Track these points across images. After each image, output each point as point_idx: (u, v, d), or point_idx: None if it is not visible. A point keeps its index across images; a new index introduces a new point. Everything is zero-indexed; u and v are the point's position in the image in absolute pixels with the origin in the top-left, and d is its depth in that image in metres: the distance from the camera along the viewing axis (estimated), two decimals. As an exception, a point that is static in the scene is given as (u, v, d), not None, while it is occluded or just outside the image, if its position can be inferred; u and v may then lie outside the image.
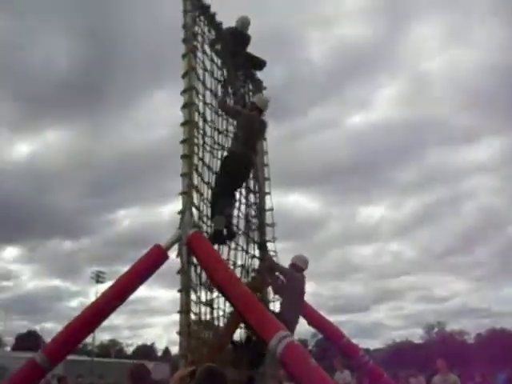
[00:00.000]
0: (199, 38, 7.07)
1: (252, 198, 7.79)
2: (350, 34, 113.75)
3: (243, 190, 7.50)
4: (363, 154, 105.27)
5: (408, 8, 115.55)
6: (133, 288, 5.71)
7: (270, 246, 7.71)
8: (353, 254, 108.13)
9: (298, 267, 7.20)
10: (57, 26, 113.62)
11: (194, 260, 5.86)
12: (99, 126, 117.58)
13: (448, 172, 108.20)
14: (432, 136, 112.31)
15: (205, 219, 6.45)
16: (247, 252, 7.38)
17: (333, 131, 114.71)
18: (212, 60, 7.41)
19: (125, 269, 5.99)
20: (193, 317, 5.70)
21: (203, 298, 6.02)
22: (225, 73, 7.62)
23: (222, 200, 6.52)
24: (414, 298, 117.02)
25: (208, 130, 6.96)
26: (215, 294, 6.19)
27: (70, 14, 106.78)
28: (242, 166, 6.79)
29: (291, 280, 7.05)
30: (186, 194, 5.98)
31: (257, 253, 7.57)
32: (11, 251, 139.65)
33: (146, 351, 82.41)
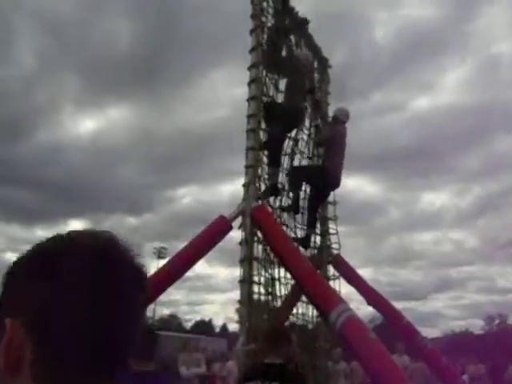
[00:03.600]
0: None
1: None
2: (417, 14, 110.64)
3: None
4: (427, 138, 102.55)
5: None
6: (197, 257, 5.85)
7: (331, 223, 7.79)
8: (413, 241, 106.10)
9: (340, 120, 7.58)
10: (119, 3, 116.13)
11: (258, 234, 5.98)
12: (160, 103, 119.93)
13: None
14: (500, 122, 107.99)
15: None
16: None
17: (396, 114, 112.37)
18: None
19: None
20: (254, 288, 5.82)
21: (265, 271, 6.13)
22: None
23: (275, 151, 6.70)
24: (475, 288, 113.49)
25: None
26: (276, 268, 6.30)
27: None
28: (299, 119, 7.08)
29: (335, 137, 7.44)
30: (252, 168, 6.08)
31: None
32: (77, 225, 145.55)
33: (204, 327, 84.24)
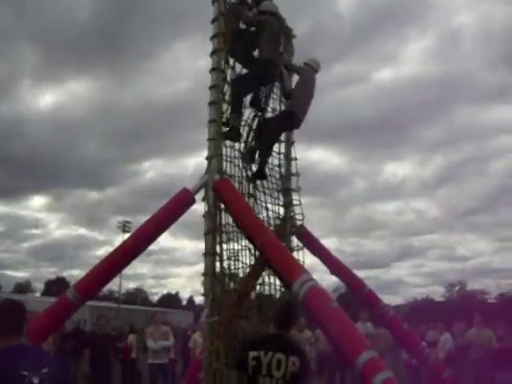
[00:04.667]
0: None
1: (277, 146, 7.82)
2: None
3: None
4: (390, 109, 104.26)
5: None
6: (161, 229, 5.84)
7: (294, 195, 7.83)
8: (376, 211, 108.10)
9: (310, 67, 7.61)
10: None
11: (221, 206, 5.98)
12: (122, 76, 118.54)
13: (476, 130, 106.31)
14: (462, 93, 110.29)
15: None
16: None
17: (359, 86, 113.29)
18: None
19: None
20: (219, 259, 5.85)
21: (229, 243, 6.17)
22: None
23: (239, 97, 6.68)
24: (435, 256, 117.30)
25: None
26: (240, 240, 6.33)
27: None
28: (273, 73, 6.97)
29: (307, 79, 7.48)
30: (214, 140, 6.06)
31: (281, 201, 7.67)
32: (38, 200, 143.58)
33: (170, 300, 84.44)
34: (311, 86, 7.52)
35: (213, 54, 6.37)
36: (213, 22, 6.48)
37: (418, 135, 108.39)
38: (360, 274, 8.37)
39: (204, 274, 5.75)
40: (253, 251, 6.33)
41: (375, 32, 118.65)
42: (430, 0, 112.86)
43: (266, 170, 7.22)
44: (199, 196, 5.99)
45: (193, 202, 5.91)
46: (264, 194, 7.23)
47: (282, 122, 7.33)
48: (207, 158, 6.06)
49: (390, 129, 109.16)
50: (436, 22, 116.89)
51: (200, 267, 5.82)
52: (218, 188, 5.83)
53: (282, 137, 7.84)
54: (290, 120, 7.31)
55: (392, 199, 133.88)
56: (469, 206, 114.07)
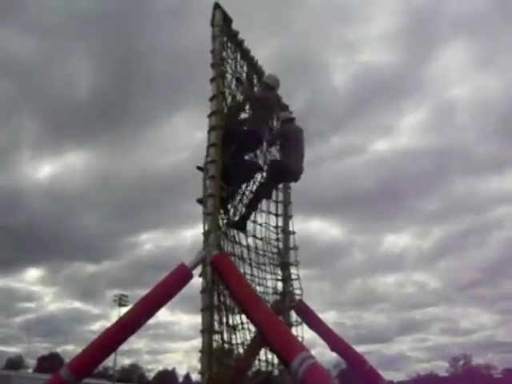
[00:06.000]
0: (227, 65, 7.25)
1: (274, 220, 7.86)
2: (374, 60, 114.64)
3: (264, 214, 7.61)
4: (387, 181, 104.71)
5: (433, 34, 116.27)
6: (158, 306, 5.75)
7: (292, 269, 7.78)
8: (376, 284, 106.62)
9: (287, 120, 7.92)
10: (80, 48, 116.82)
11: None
12: (121, 147, 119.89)
13: (474, 201, 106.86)
14: (458, 164, 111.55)
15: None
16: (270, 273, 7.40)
17: (356, 158, 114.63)
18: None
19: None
20: (215, 337, 5.72)
21: (225, 319, 6.05)
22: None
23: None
24: (438, 329, 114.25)
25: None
26: (238, 316, 6.22)
27: (93, 38, 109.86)
28: (256, 143, 7.32)
29: (286, 133, 7.72)
30: (211, 215, 6.08)
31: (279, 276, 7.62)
32: (33, 273, 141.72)
33: (166, 377, 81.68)
34: (295, 135, 7.68)
35: (211, 130, 6.51)
36: (211, 99, 6.66)
37: (417, 206, 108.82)
38: (361, 348, 8.23)
39: (201, 351, 5.62)
40: (251, 327, 6.22)
41: (371, 105, 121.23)
42: (424, 74, 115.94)
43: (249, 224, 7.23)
44: (197, 269, 5.94)
45: (190, 277, 5.85)
46: (262, 270, 7.20)
47: (270, 173, 7.49)
48: (204, 234, 6.06)
49: (389, 200, 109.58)
50: (430, 94, 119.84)
51: (197, 342, 5.69)
52: (215, 263, 5.79)
53: (280, 210, 7.90)
54: (279, 170, 7.46)
55: (392, 271, 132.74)
56: (470, 278, 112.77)
